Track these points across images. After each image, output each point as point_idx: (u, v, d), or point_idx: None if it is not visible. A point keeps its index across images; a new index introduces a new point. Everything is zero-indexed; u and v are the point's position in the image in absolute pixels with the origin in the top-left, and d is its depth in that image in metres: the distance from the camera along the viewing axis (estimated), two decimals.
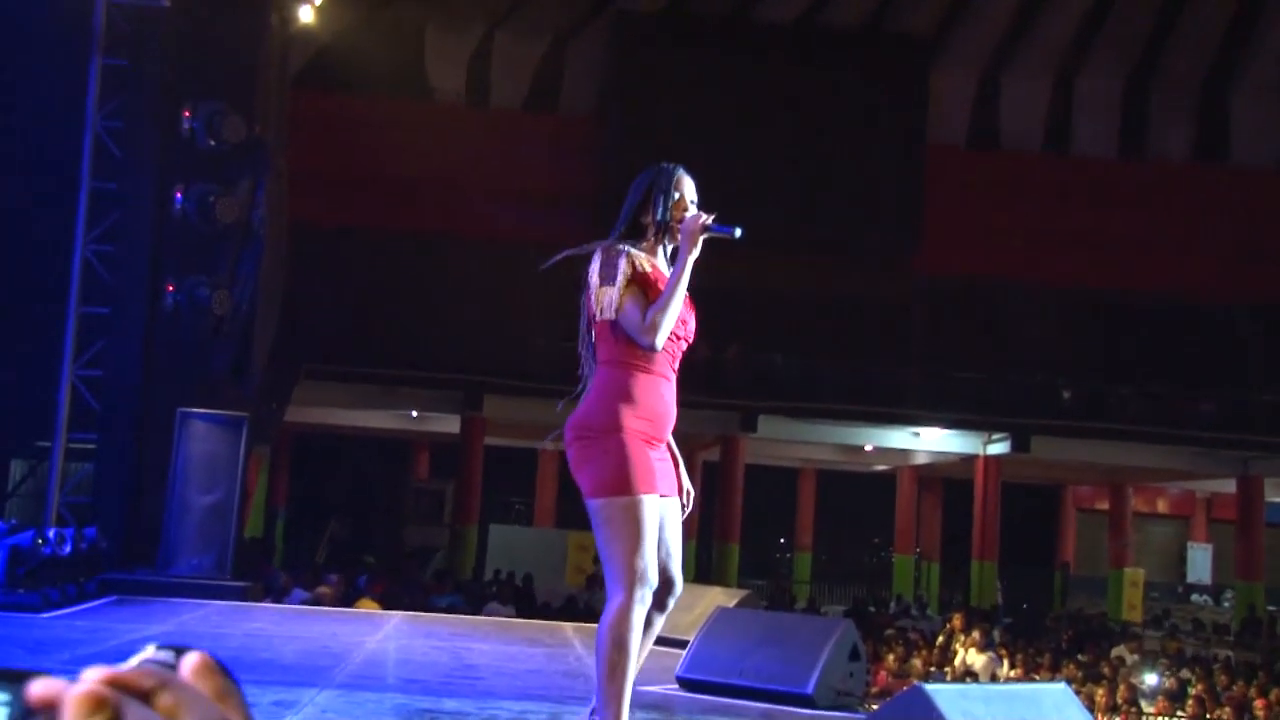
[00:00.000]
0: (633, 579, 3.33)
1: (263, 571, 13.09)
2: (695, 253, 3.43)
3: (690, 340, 3.60)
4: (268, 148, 11.48)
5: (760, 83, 23.53)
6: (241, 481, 10.12)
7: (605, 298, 3.46)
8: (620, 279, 3.44)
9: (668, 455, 3.53)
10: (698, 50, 23.75)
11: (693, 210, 3.60)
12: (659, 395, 3.47)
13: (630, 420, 3.40)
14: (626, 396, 3.42)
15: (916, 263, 24.23)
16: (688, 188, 3.64)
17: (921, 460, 25.14)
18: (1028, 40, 24.15)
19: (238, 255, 11.15)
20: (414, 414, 23.19)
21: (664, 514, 3.49)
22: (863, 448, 24.18)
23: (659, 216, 3.57)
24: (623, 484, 3.35)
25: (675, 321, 3.42)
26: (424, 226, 23.32)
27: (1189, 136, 24.98)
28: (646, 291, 3.47)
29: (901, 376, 23.25)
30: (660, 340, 3.39)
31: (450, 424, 22.46)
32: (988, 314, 24.72)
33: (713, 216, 3.46)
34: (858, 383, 22.44)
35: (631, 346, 3.45)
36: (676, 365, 3.57)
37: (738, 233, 3.39)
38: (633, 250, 3.51)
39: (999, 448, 22.50)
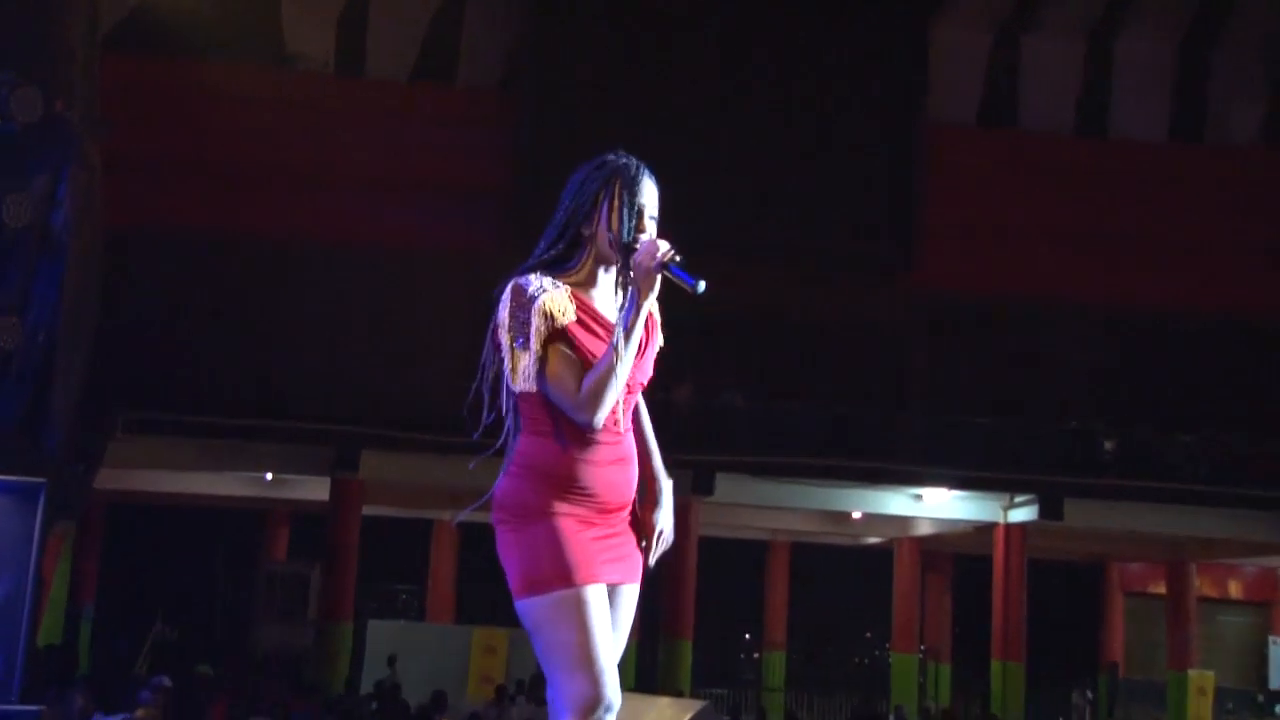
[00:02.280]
0: (579, 702, 3.30)
1: (62, 689, 12.79)
2: (652, 298, 3.40)
3: (645, 382, 3.57)
4: (73, 129, 11.33)
5: (714, 46, 23.63)
6: (36, 569, 9.87)
7: (521, 366, 3.42)
8: (535, 341, 3.39)
9: (623, 530, 3.51)
10: (635, 5, 23.80)
11: (650, 231, 3.51)
12: (602, 464, 3.45)
13: (559, 503, 3.40)
14: (555, 472, 3.41)
15: (914, 275, 24.35)
16: (650, 197, 3.55)
17: (925, 531, 25.18)
18: None
19: (33, 270, 10.97)
20: (268, 476, 22.93)
21: (616, 605, 3.48)
22: (849, 515, 24.17)
23: (614, 234, 3.48)
24: (551, 577, 3.35)
25: (623, 386, 3.39)
26: (281, 230, 23.14)
27: (1258, 114, 25.36)
28: (576, 346, 3.41)
29: (897, 422, 23.24)
30: (602, 415, 3.37)
31: (317, 489, 22.20)
32: (1006, 341, 24.87)
33: (674, 253, 3.40)
34: (841, 430, 22.44)
35: (559, 411, 3.43)
36: (628, 413, 3.53)
37: (701, 287, 3.35)
38: (549, 293, 3.43)
39: (1024, 514, 22.57)
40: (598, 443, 3.44)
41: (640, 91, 22.98)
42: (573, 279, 3.50)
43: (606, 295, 3.54)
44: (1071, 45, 24.97)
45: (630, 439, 3.54)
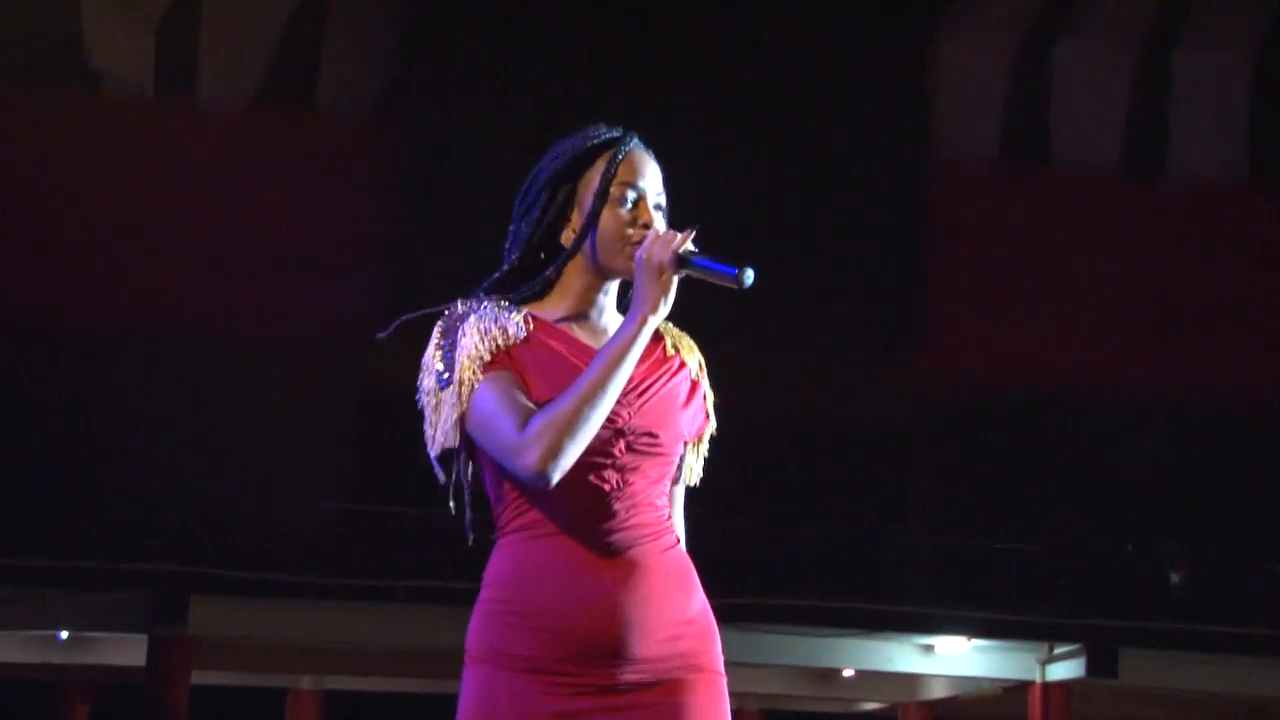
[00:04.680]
0: None
1: None
2: (663, 308, 3.24)
3: (691, 436, 3.45)
4: None
5: (658, 60, 23.63)
6: None
7: (443, 412, 3.21)
8: (460, 364, 3.18)
9: (642, 707, 3.21)
10: (558, 5, 23.76)
11: (658, 222, 3.42)
12: (580, 582, 3.18)
13: (500, 639, 3.21)
14: (505, 592, 3.22)
15: (920, 357, 24.30)
16: (650, 177, 3.49)
17: (939, 692, 25.07)
18: None
19: None
20: (62, 635, 22.58)
21: None
22: (839, 673, 24.05)
23: (588, 231, 3.35)
24: None
25: (593, 432, 3.12)
26: (80, 307, 22.93)
27: None
28: (526, 381, 3.20)
29: (899, 551, 23.18)
30: (556, 468, 3.07)
31: (129, 650, 21.91)
32: (1041, 442, 24.92)
33: (691, 235, 3.31)
34: (826, 561, 22.38)
35: (522, 494, 3.23)
36: (635, 502, 3.27)
37: (749, 277, 3.23)
38: (489, 313, 3.26)
39: (1067, 669, 22.49)
40: (571, 542, 3.20)
41: (567, 124, 22.97)
42: (549, 307, 3.35)
43: (611, 321, 3.39)
44: (1118, 56, 25.11)
45: (640, 546, 3.25)
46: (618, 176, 3.40)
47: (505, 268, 3.38)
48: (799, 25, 24.14)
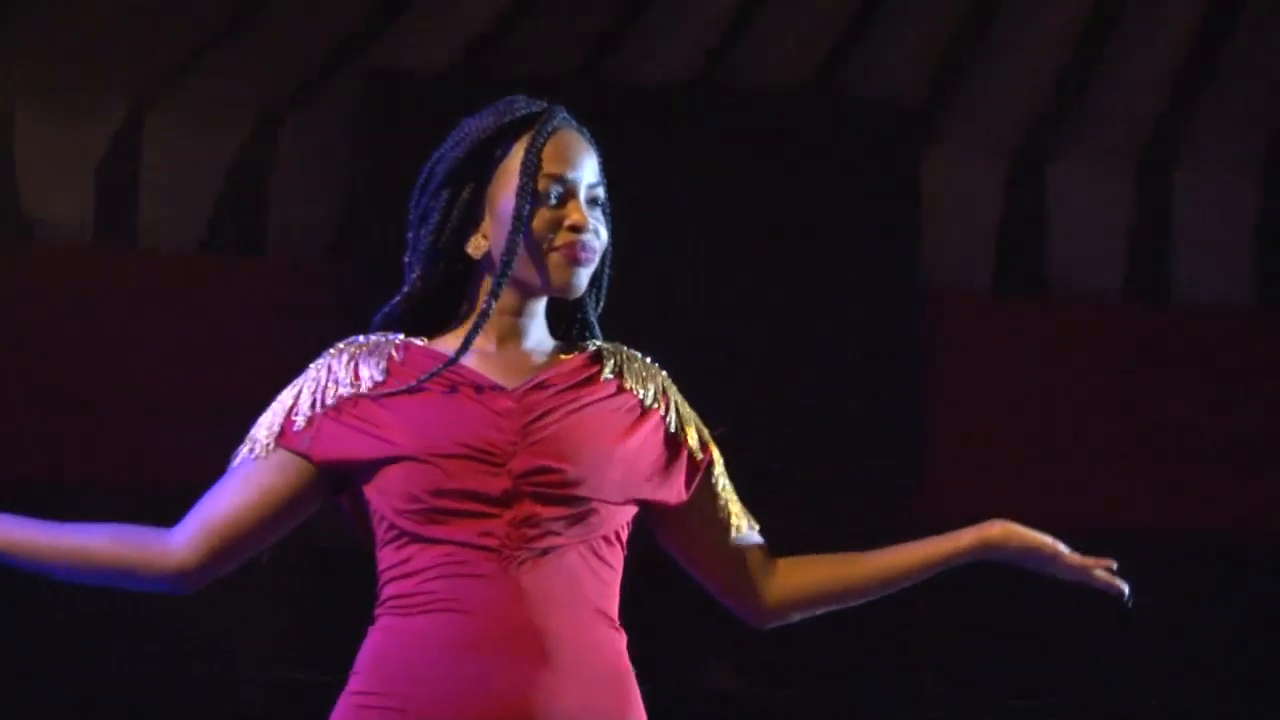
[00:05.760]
0: None
1: None
2: None
3: (642, 480, 2.66)
4: None
5: (630, 186, 23.61)
6: None
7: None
8: (257, 426, 2.75)
9: None
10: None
11: (592, 221, 2.67)
12: (461, 667, 2.50)
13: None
14: (366, 687, 2.58)
15: (915, 500, 23.96)
16: (582, 163, 2.69)
17: None
18: (1089, 101, 24.57)
19: None
20: None
21: None
22: None
23: (513, 233, 2.64)
24: None
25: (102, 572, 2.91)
26: (11, 457, 22.55)
27: None
28: (369, 433, 2.63)
29: (897, 705, 22.86)
30: (200, 570, 2.79)
31: None
32: (1043, 587, 24.56)
33: None
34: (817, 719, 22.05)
35: (392, 559, 2.61)
36: (552, 567, 2.57)
37: None
38: (351, 352, 2.72)
39: None
40: (455, 619, 2.53)
41: None
42: (455, 338, 2.65)
43: (537, 350, 2.71)
44: (1116, 175, 25.06)
45: (551, 622, 2.56)
46: (540, 167, 2.67)
47: (405, 290, 2.78)
48: (797, 152, 24.12)
